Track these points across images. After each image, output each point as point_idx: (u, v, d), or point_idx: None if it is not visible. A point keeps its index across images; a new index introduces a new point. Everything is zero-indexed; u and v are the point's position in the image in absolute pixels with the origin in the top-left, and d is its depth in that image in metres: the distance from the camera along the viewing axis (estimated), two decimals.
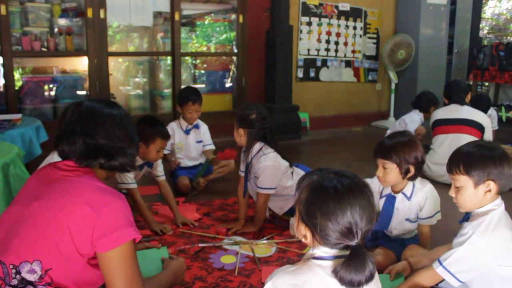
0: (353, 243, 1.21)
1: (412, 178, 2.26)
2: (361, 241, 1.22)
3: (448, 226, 2.81)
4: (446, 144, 3.83)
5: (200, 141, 3.65)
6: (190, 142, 3.60)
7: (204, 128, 3.68)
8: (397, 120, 4.86)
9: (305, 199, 1.26)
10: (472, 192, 1.70)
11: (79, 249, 1.35)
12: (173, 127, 3.52)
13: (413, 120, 4.55)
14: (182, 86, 5.66)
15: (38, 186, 1.47)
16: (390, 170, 2.20)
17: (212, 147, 3.71)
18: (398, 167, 2.19)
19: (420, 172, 2.30)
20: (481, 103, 4.61)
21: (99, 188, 1.42)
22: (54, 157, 2.28)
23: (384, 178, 2.24)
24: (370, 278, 1.19)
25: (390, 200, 2.34)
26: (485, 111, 4.66)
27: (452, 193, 1.78)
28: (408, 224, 2.35)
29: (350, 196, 1.21)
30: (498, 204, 1.72)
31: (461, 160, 1.72)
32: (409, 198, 2.29)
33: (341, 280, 1.18)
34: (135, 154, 1.57)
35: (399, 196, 2.31)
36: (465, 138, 3.64)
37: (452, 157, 1.78)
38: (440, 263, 1.71)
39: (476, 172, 1.68)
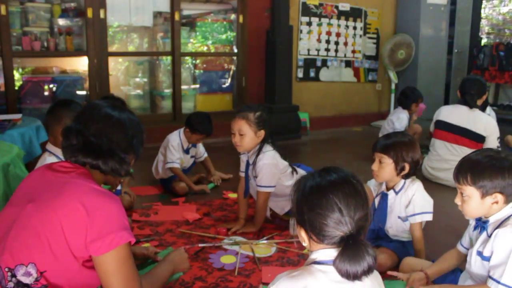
0: (346, 231, 1.21)
1: (405, 176, 2.31)
2: (356, 231, 1.21)
3: (453, 228, 2.82)
4: (442, 151, 3.83)
5: (193, 156, 3.76)
6: (187, 159, 3.70)
7: (199, 145, 3.78)
8: (385, 120, 4.82)
9: (295, 200, 1.29)
10: (479, 202, 1.67)
11: (74, 252, 1.34)
12: (178, 145, 3.56)
13: (399, 118, 4.53)
14: (182, 86, 5.68)
15: (33, 187, 1.46)
16: (386, 165, 2.27)
17: (206, 154, 3.86)
18: (395, 163, 2.25)
19: (415, 172, 2.33)
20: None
21: (93, 190, 1.39)
22: (46, 158, 2.28)
23: (378, 173, 2.30)
24: (368, 271, 1.17)
25: (383, 198, 2.39)
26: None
27: (458, 201, 1.75)
28: (400, 223, 2.37)
29: (332, 186, 1.23)
30: None
31: (469, 171, 1.68)
32: (396, 193, 2.33)
33: (338, 271, 1.18)
34: (129, 160, 1.51)
35: (391, 193, 2.36)
36: (461, 150, 3.63)
37: (460, 167, 1.73)
38: (498, 282, 1.61)
39: (483, 183, 1.65)
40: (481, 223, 1.76)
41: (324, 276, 1.20)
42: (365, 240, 1.22)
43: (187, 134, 3.53)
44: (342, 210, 1.20)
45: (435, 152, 3.89)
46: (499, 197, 1.65)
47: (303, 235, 1.27)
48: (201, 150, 3.80)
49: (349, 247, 1.18)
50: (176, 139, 3.56)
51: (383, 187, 2.40)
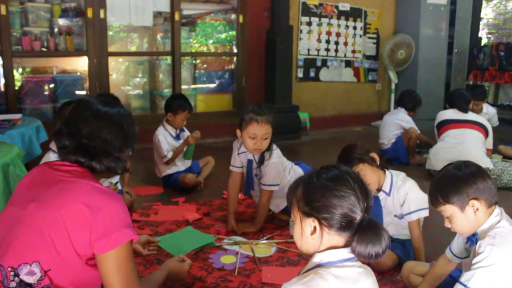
0: (359, 213, 1.23)
1: (383, 167, 2.37)
2: (368, 214, 1.24)
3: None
4: (454, 134, 3.93)
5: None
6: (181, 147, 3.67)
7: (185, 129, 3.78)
8: (385, 121, 4.74)
9: (302, 194, 1.29)
10: (462, 216, 1.69)
11: (77, 250, 1.35)
12: (165, 136, 3.57)
13: (409, 122, 4.58)
14: (182, 86, 5.68)
15: (34, 186, 1.45)
16: (366, 173, 2.29)
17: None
18: (367, 164, 2.31)
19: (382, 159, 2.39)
20: (477, 91, 4.76)
21: (96, 188, 1.40)
22: (50, 157, 2.29)
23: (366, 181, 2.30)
24: (386, 250, 1.21)
25: (376, 202, 2.38)
26: (482, 98, 4.80)
27: (447, 224, 1.77)
28: (398, 220, 2.38)
29: (345, 172, 1.29)
30: (499, 213, 1.71)
31: (438, 192, 1.72)
32: (388, 194, 2.35)
33: (359, 255, 1.21)
34: (124, 157, 1.50)
35: (381, 194, 2.37)
36: (474, 133, 3.86)
37: (429, 191, 1.78)
38: (465, 286, 1.64)
39: (454, 197, 1.67)
40: (471, 236, 1.76)
41: (336, 279, 1.20)
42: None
43: (172, 119, 3.57)
44: (356, 192, 1.24)
45: (446, 137, 3.96)
46: (477, 204, 1.67)
47: (312, 225, 1.25)
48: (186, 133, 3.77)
49: (367, 229, 1.21)
50: (161, 133, 3.58)
51: (374, 192, 2.39)
